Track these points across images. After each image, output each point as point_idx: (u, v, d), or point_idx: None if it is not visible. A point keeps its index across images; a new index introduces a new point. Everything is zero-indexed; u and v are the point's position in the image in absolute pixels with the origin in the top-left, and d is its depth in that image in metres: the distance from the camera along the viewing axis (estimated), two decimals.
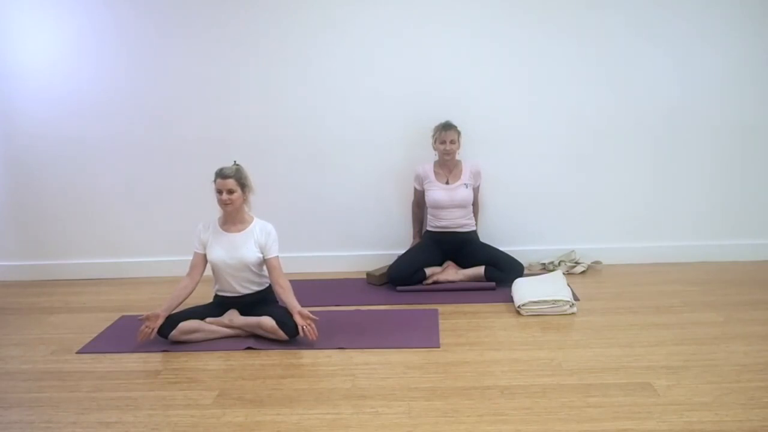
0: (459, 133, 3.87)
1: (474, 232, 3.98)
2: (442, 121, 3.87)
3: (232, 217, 3.14)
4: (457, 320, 3.27)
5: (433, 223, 3.95)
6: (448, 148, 3.83)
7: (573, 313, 3.28)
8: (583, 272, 4.01)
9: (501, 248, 3.88)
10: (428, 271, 3.83)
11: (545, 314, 3.27)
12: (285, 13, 3.97)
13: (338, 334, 3.10)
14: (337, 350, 2.94)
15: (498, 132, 4.06)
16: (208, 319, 3.11)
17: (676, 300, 3.44)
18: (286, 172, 4.17)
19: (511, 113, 4.05)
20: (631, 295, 3.55)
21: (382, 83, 4.04)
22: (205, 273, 3.19)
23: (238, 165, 3.12)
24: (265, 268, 3.18)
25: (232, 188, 3.04)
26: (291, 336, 2.99)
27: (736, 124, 4.00)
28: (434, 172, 3.94)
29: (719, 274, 3.88)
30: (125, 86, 4.09)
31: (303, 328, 2.95)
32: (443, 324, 3.21)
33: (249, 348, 2.99)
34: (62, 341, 3.20)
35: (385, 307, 3.55)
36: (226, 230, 3.15)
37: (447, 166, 3.93)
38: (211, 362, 2.87)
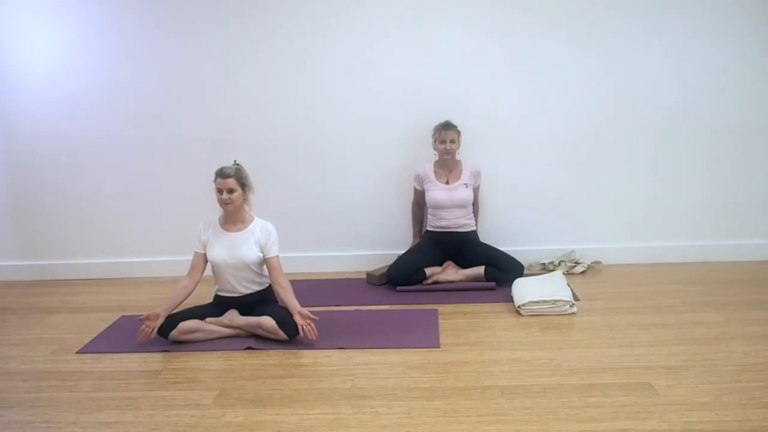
0: (459, 133, 3.87)
1: (474, 232, 3.98)
2: (442, 121, 3.88)
3: (232, 217, 3.14)
4: (457, 320, 3.27)
5: (433, 223, 3.95)
6: (448, 147, 3.83)
7: (573, 313, 3.28)
8: (583, 272, 4.01)
9: (501, 248, 3.88)
10: (428, 271, 3.83)
11: (545, 314, 3.27)
12: (285, 13, 3.97)
13: (338, 334, 3.10)
14: (337, 350, 2.93)
15: (498, 132, 4.06)
16: (208, 319, 3.11)
17: (676, 300, 3.44)
18: (286, 171, 4.17)
19: (511, 113, 4.05)
20: (631, 295, 3.55)
21: (383, 83, 4.04)
22: (205, 273, 3.19)
23: (238, 164, 3.12)
24: (265, 267, 3.18)
25: (233, 188, 3.04)
26: (291, 336, 2.99)
27: (736, 124, 4.00)
28: (434, 172, 3.94)
29: (719, 274, 3.88)
30: (125, 86, 4.09)
31: (303, 328, 2.95)
32: (443, 324, 3.21)
33: (249, 348, 2.99)
34: (62, 341, 3.20)
35: (385, 307, 3.55)
36: (226, 230, 3.15)
37: (447, 166, 3.92)
38: (211, 362, 2.87)
